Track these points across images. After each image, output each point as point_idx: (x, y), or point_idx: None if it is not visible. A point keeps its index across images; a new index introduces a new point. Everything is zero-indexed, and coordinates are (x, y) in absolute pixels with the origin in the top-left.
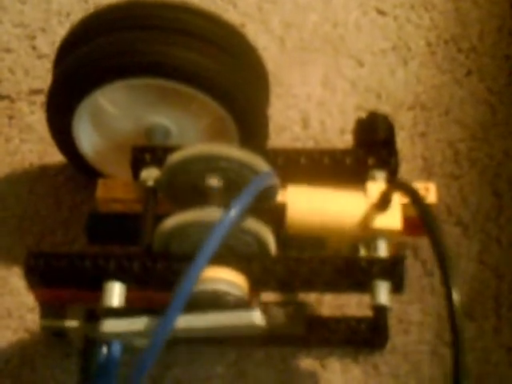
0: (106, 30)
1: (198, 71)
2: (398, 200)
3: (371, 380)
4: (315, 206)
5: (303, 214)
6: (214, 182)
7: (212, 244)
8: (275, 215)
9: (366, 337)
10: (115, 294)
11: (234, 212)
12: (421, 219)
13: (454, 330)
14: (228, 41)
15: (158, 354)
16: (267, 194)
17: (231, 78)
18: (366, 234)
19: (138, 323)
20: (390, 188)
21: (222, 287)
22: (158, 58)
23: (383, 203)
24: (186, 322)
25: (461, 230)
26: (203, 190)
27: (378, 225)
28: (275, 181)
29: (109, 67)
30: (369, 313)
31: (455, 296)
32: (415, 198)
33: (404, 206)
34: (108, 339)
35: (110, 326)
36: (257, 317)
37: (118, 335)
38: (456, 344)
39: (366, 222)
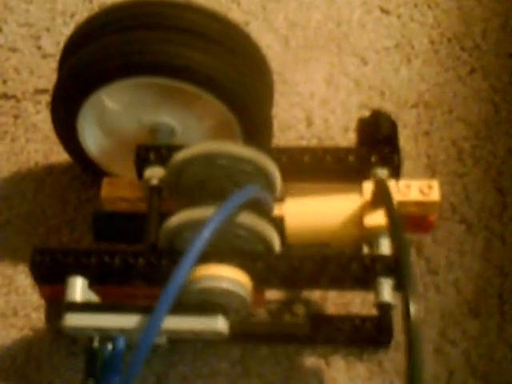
0: (111, 30)
1: (202, 71)
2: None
3: (375, 377)
4: (313, 216)
5: (302, 226)
6: (219, 179)
7: (192, 252)
8: (275, 227)
9: (370, 334)
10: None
11: (215, 220)
12: (385, 216)
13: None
14: (232, 40)
15: (146, 354)
16: (261, 207)
17: (235, 78)
18: (366, 233)
19: (104, 319)
20: (375, 186)
21: (226, 285)
22: (162, 58)
23: (375, 201)
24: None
25: (465, 227)
26: (208, 187)
27: (374, 222)
28: (262, 195)
29: (113, 67)
30: (373, 311)
31: (412, 307)
32: (386, 198)
33: (405, 203)
34: (70, 333)
35: (73, 320)
36: (220, 322)
37: (81, 330)
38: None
39: (362, 221)
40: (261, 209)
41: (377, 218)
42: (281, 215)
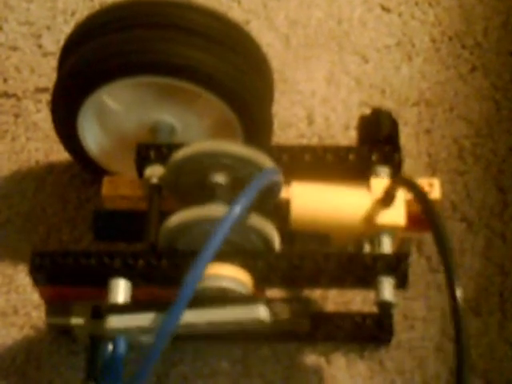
0: (111, 29)
1: (202, 69)
2: (402, 196)
3: (376, 376)
4: (319, 202)
5: (307, 210)
6: (219, 178)
7: (217, 240)
8: (279, 211)
9: (371, 333)
10: (120, 291)
11: (237, 208)
12: (425, 215)
13: (458, 326)
14: (232, 39)
15: (163, 349)
16: (271, 191)
17: (236, 76)
18: (370, 229)
19: (143, 319)
20: (393, 184)
21: (227, 284)
22: (163, 57)
23: (387, 199)
24: (190, 317)
25: (465, 225)
26: (209, 186)
27: (382, 220)
28: (278, 177)
29: (114, 66)
30: (374, 309)
31: (459, 293)
32: (419, 195)
33: (408, 201)
34: (113, 335)
35: (115, 322)
36: (262, 311)
37: (123, 331)
38: (460, 341)
39: (369, 217)
40: (269, 192)
41: (382, 216)
42: (287, 198)
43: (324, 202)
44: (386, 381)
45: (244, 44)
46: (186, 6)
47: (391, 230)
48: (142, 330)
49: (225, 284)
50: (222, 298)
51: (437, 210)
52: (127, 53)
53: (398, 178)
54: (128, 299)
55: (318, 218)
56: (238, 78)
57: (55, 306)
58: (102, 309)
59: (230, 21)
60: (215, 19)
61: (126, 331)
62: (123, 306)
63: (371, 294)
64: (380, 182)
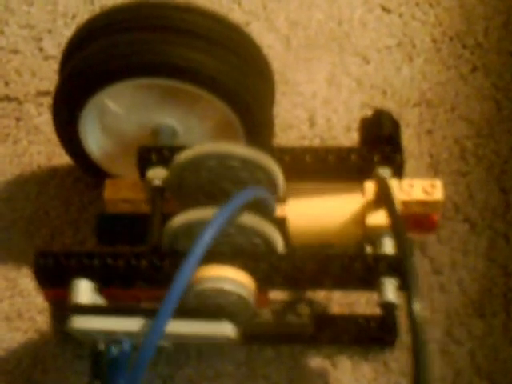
0: (112, 31)
1: (204, 72)
2: (397, 196)
3: (381, 377)
4: (316, 216)
5: (305, 226)
6: (222, 180)
7: (194, 255)
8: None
9: (375, 335)
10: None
11: (217, 221)
12: (387, 216)
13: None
14: (233, 41)
15: (150, 355)
16: (262, 207)
17: (237, 78)
18: (370, 232)
19: (111, 322)
20: (375, 184)
21: (228, 286)
22: (164, 59)
23: (379, 200)
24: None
25: (468, 226)
26: (212, 189)
27: (377, 222)
28: (265, 195)
29: (114, 68)
30: (378, 311)
31: (415, 306)
32: (387, 197)
33: (407, 202)
34: (76, 335)
35: (78, 322)
36: (229, 329)
37: (87, 332)
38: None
39: (366, 221)
40: (263, 209)
41: (379, 218)
42: (283, 216)
43: (321, 216)
44: (391, 382)
45: (245, 46)
46: (187, 8)
47: (388, 231)
48: (109, 334)
49: (226, 286)
50: (223, 301)
51: (399, 213)
52: (129, 55)
53: (378, 179)
54: (91, 300)
55: (317, 233)
56: (239, 80)
57: (61, 309)
58: (66, 308)
59: (231, 23)
60: (216, 21)
61: (90, 333)
62: (90, 307)
63: (375, 295)
64: (373, 184)
